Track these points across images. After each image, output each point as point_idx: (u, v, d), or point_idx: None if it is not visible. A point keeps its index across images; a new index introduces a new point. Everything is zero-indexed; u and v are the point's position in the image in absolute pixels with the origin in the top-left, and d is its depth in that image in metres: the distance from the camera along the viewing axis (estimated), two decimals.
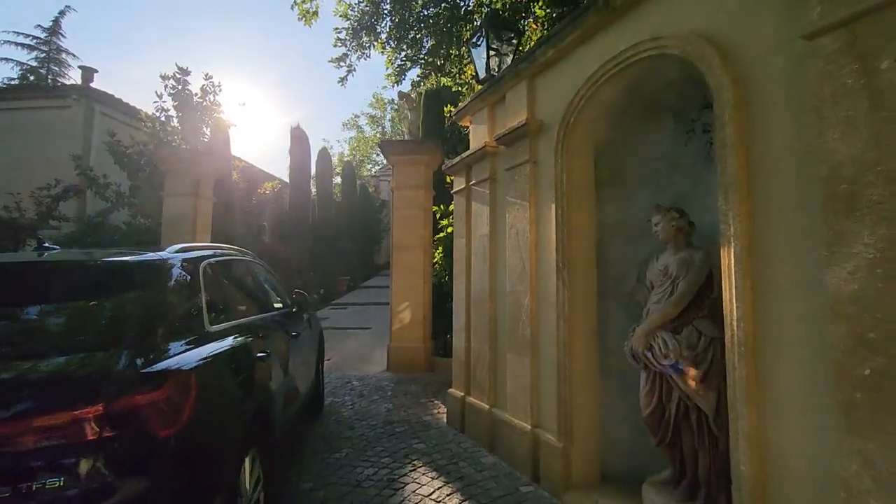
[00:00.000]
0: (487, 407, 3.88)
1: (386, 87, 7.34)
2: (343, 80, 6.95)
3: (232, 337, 2.31)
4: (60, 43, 21.36)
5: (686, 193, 2.99)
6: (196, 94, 11.17)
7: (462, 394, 4.30)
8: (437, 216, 7.64)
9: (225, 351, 2.13)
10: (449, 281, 7.63)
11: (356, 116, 35.75)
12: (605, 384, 3.19)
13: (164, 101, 10.72)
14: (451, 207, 7.49)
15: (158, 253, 2.20)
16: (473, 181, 4.31)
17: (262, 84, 53.25)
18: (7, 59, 20.15)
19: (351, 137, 34.00)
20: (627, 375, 2.97)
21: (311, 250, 14.00)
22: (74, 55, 21.51)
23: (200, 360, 1.89)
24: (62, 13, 21.21)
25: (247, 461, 2.16)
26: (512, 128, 3.60)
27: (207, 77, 11.50)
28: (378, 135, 34.80)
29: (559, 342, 3.11)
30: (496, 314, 3.92)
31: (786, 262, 1.88)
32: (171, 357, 1.78)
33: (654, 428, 2.62)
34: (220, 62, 53.65)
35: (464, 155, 4.38)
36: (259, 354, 2.50)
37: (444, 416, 4.67)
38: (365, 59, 6.85)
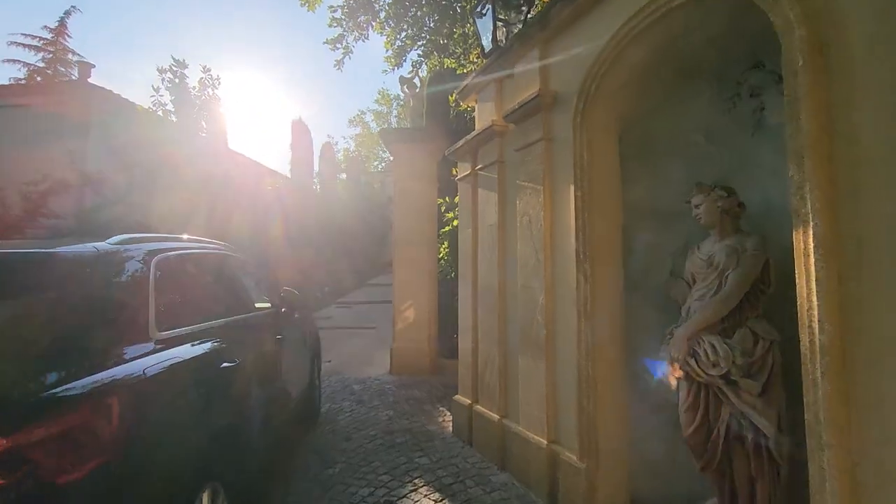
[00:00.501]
0: (497, 417, 3.46)
1: (386, 71, 6.83)
2: (339, 63, 6.54)
3: (188, 345, 1.91)
4: (66, 43, 21.21)
5: (729, 169, 2.54)
6: (194, 88, 10.87)
7: (469, 402, 3.89)
8: (443, 209, 7.22)
9: (173, 363, 1.73)
10: (456, 277, 7.22)
11: (362, 113, 35.34)
12: (634, 393, 2.76)
13: (160, 96, 10.42)
14: (458, 199, 7.08)
15: (95, 244, 1.80)
16: (480, 165, 3.88)
17: (263, 78, 52.73)
18: (14, 61, 20.01)
19: (357, 134, 33.64)
20: (661, 384, 2.54)
21: (314, 248, 13.66)
22: (80, 55, 21.35)
23: (132, 376, 1.49)
24: (67, 13, 21.06)
25: (205, 497, 1.77)
26: (522, 102, 3.16)
27: (206, 70, 11.18)
28: None
29: (580, 344, 2.68)
30: (507, 313, 3.49)
31: (888, 241, 1.44)
32: (90, 375, 1.38)
33: (699, 450, 2.19)
34: (221, 54, 52.79)
35: (469, 136, 3.95)
36: (226, 364, 2.11)
37: (451, 424, 4.26)
38: (363, 41, 6.45)
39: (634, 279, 2.81)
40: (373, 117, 34.45)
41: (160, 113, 10.32)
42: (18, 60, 19.99)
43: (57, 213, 7.34)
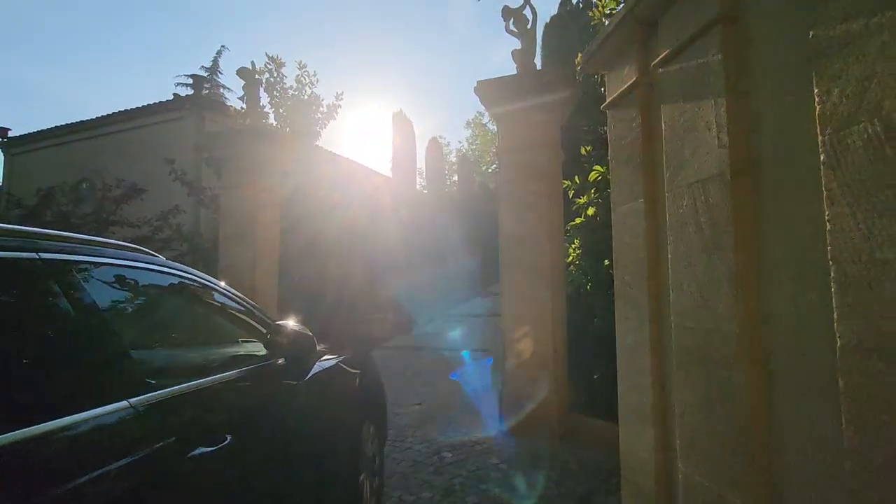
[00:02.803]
0: None
1: None
2: None
3: None
4: (218, 79, 23.39)
5: None
6: (291, 87, 10.27)
7: None
8: (570, 194, 5.08)
9: None
10: (594, 291, 5.00)
11: (480, 114, 33.99)
12: None
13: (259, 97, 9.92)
14: (592, 176, 4.87)
15: None
16: (664, 52, 1.74)
17: (364, 77, 53.62)
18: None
19: (472, 135, 32.32)
20: None
21: (423, 254, 12.29)
22: (230, 89, 23.33)
23: None
24: (219, 53, 23.28)
25: None
26: None
27: (301, 66, 10.53)
28: None
29: None
30: (770, 402, 1.31)
31: None
32: None
33: None
34: (324, 49, 54.77)
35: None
36: None
37: None
38: None
39: None
40: (489, 118, 32.91)
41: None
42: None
43: (129, 219, 6.80)
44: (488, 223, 17.27)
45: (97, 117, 13.19)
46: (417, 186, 14.80)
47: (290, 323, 2.12)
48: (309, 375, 2.19)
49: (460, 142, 37.16)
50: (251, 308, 2.11)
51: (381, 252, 10.98)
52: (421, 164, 14.80)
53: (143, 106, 12.50)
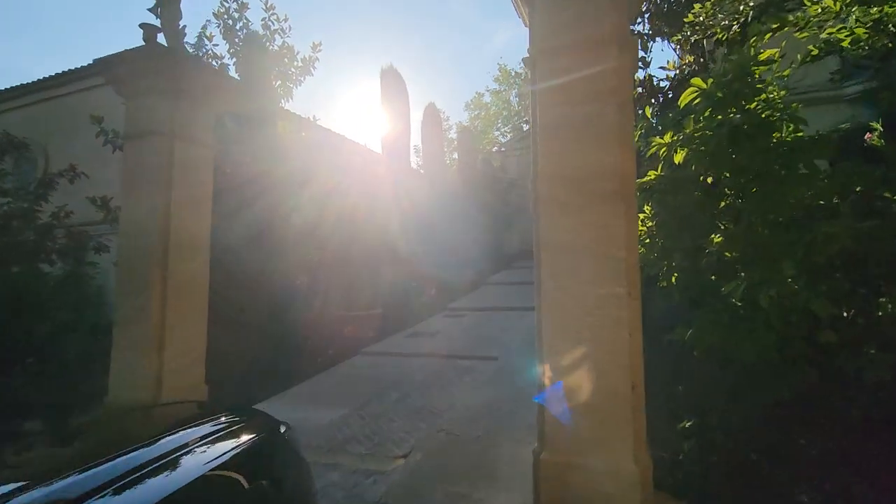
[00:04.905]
0: None
1: None
2: None
3: None
4: (207, 47, 21.31)
5: None
6: (258, 34, 8.42)
7: None
8: (639, 130, 3.24)
9: None
10: (682, 286, 3.17)
11: (480, 95, 31.94)
12: None
13: (215, 45, 8.09)
14: (686, 97, 3.00)
15: None
16: None
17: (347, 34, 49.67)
18: None
19: (471, 118, 30.28)
20: None
21: (415, 238, 10.49)
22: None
23: None
24: (205, 28, 21.25)
25: None
26: None
27: (269, 8, 8.61)
28: (504, 112, 30.50)
29: None
30: None
31: None
32: None
33: None
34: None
35: None
36: None
37: None
38: None
39: None
40: (491, 98, 30.96)
41: (215, 65, 7.93)
42: None
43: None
44: (493, 205, 15.48)
45: (36, 80, 11.26)
46: (413, 163, 12.88)
47: None
48: None
49: (460, 121, 35.17)
50: None
51: (370, 238, 9.15)
52: (416, 138, 12.87)
53: (87, 65, 10.57)
